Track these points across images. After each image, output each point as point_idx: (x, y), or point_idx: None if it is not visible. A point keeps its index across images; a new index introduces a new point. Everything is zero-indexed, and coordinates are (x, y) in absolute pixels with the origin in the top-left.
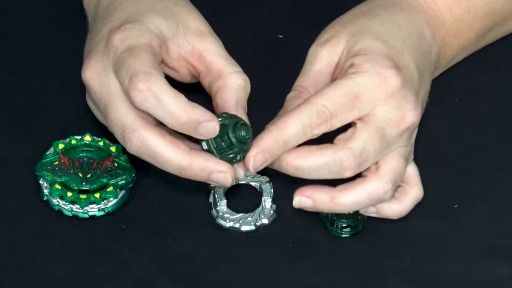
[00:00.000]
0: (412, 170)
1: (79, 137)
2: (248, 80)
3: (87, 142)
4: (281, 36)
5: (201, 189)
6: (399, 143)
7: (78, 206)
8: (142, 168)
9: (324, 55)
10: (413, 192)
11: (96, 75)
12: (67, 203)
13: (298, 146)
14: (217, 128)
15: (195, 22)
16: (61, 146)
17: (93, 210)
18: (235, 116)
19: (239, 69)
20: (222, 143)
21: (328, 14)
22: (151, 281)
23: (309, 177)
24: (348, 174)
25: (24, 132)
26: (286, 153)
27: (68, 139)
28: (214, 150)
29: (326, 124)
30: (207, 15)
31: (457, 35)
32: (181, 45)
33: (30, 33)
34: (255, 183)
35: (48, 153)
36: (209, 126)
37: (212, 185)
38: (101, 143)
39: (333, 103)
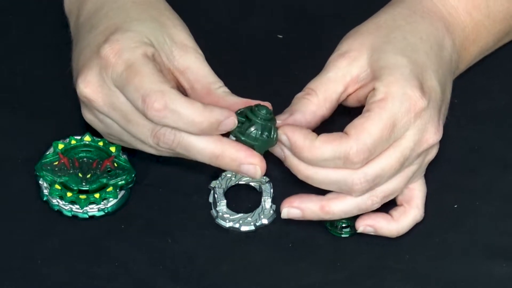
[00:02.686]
0: (418, 191)
1: (79, 137)
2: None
3: (87, 142)
4: (281, 36)
5: (201, 189)
6: (417, 161)
7: (78, 206)
8: (142, 168)
9: (343, 65)
10: (412, 214)
11: (99, 88)
12: (67, 203)
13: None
14: (235, 120)
15: (180, 35)
16: (61, 146)
17: (93, 210)
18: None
19: (221, 83)
20: (246, 129)
21: (328, 14)
22: (151, 281)
23: (318, 186)
24: (356, 195)
25: (24, 132)
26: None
27: (68, 139)
28: (237, 134)
29: (363, 161)
30: (207, 15)
31: (476, 40)
32: (168, 58)
33: (30, 33)
34: (255, 183)
35: (48, 153)
36: (227, 122)
37: (212, 185)
38: (100, 143)
39: (373, 138)
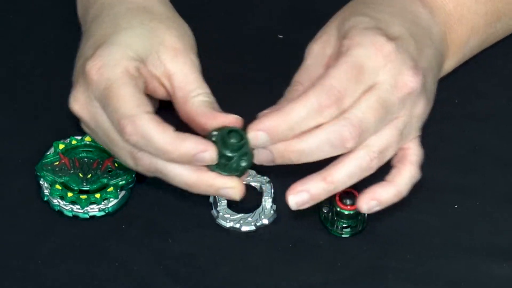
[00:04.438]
0: (411, 149)
1: (79, 138)
2: (213, 99)
3: (88, 143)
4: (281, 36)
5: None
6: (399, 112)
7: (78, 207)
8: None
9: (316, 49)
10: (407, 171)
11: (85, 106)
12: (67, 203)
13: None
14: (213, 155)
15: (171, 38)
16: (61, 146)
17: (94, 210)
18: (223, 128)
19: (203, 90)
20: (221, 160)
21: (328, 14)
22: (151, 281)
23: (313, 158)
24: (349, 144)
25: (25, 132)
26: (287, 141)
27: (68, 140)
28: (217, 170)
29: (337, 105)
30: (208, 16)
31: (462, 20)
32: (155, 66)
33: (30, 33)
34: (256, 184)
35: (48, 153)
36: (205, 156)
37: None
38: None
39: (339, 80)
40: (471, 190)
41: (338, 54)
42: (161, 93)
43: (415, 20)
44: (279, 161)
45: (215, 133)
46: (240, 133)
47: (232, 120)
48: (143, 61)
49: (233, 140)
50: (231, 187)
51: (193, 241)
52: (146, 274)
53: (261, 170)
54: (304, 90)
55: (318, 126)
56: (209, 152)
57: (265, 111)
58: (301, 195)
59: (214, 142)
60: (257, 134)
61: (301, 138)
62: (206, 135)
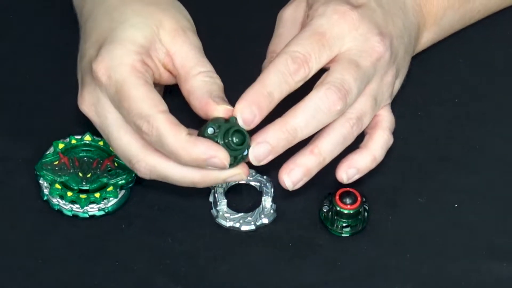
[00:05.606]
0: (382, 116)
1: (79, 137)
2: (217, 77)
3: (87, 142)
4: None
5: (201, 188)
6: (372, 77)
7: (78, 206)
8: None
9: (286, 15)
10: (379, 136)
11: (93, 107)
12: (67, 202)
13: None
14: (226, 162)
15: (169, 20)
16: (61, 146)
17: (93, 209)
18: (232, 119)
19: (206, 69)
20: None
21: None
22: (151, 281)
23: (309, 132)
24: (340, 106)
25: (24, 132)
26: (279, 122)
27: (68, 139)
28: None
29: (304, 68)
30: (208, 16)
31: None
32: (158, 50)
33: (30, 33)
34: (255, 183)
35: (48, 152)
36: (216, 162)
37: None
38: (101, 143)
39: (303, 46)
40: (471, 190)
41: (303, 25)
42: (167, 78)
43: None
44: (278, 148)
45: (212, 127)
46: (244, 133)
47: (222, 110)
48: (147, 51)
49: (236, 140)
50: (237, 173)
51: (193, 241)
52: (146, 274)
53: (261, 169)
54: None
55: (303, 100)
56: (220, 159)
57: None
58: (294, 173)
59: (210, 135)
60: (242, 109)
61: (291, 115)
62: (202, 127)
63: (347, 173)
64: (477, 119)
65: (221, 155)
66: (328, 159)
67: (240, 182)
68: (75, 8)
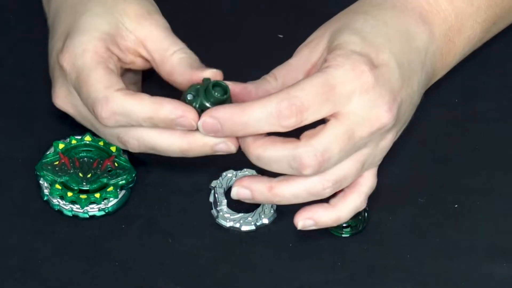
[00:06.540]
0: (365, 179)
1: (79, 137)
2: (191, 52)
3: (87, 142)
4: (281, 36)
5: (201, 189)
6: (365, 145)
7: (78, 206)
8: (142, 168)
9: (305, 53)
10: (352, 200)
11: (66, 99)
12: (67, 203)
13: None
14: (193, 122)
15: (132, 6)
16: (61, 146)
17: (93, 210)
18: (206, 80)
19: (179, 47)
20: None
21: (328, 13)
22: (151, 281)
23: (270, 169)
24: (307, 172)
25: (24, 132)
26: (251, 140)
27: (68, 139)
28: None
29: (297, 117)
30: (207, 15)
31: (461, 30)
32: (125, 37)
33: (30, 33)
34: None
35: (48, 153)
36: (184, 121)
37: (212, 185)
38: (101, 143)
39: (306, 94)
40: (471, 190)
41: (318, 68)
42: (141, 64)
43: (410, 41)
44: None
45: (190, 92)
46: (224, 87)
47: (210, 74)
48: (113, 38)
49: (216, 94)
50: (223, 141)
51: (193, 241)
52: (146, 274)
53: (261, 169)
54: (271, 92)
55: (283, 141)
56: (188, 119)
57: (230, 83)
58: (244, 191)
59: (190, 101)
60: (207, 118)
61: (264, 145)
62: (182, 95)
63: (304, 222)
64: (477, 119)
65: (189, 115)
66: (283, 203)
67: None
68: (44, 11)
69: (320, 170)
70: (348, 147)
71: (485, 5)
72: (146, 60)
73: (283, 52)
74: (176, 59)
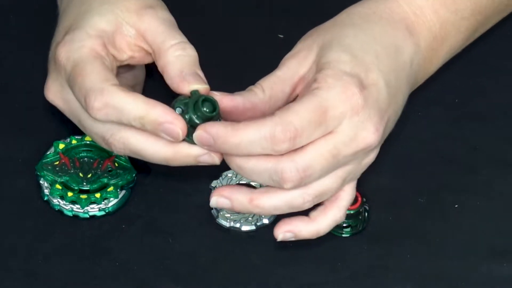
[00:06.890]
0: (345, 193)
1: (79, 137)
2: (190, 48)
3: (88, 142)
4: (281, 36)
5: (201, 189)
6: (349, 163)
7: (78, 206)
8: (142, 168)
9: (292, 65)
10: (332, 214)
11: (59, 94)
12: (67, 203)
13: None
14: (180, 132)
15: (135, 2)
16: (61, 146)
17: (94, 210)
18: (194, 93)
19: (177, 41)
20: (190, 128)
21: (328, 13)
22: (151, 281)
23: (251, 179)
24: (287, 186)
25: (25, 132)
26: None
27: (68, 139)
28: (186, 138)
29: (290, 142)
30: (207, 15)
31: (445, 39)
32: (126, 33)
33: (30, 33)
34: (256, 183)
35: (48, 153)
36: (171, 128)
37: (212, 185)
38: None
39: (300, 119)
40: (471, 190)
41: (308, 86)
42: (142, 57)
43: (398, 57)
44: (226, 161)
45: (179, 106)
46: (213, 102)
47: (198, 88)
48: (111, 35)
49: (206, 109)
50: (207, 152)
51: (193, 241)
52: (146, 274)
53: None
54: (262, 118)
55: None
56: (175, 128)
57: (218, 94)
58: (223, 200)
59: (181, 110)
60: (202, 133)
61: (246, 157)
62: (170, 105)
63: (284, 234)
64: (477, 119)
65: (177, 123)
66: (263, 214)
67: (241, 182)
68: (57, 2)
69: (301, 185)
70: (331, 165)
71: (469, 13)
72: (149, 53)
73: (283, 52)
74: (169, 57)
